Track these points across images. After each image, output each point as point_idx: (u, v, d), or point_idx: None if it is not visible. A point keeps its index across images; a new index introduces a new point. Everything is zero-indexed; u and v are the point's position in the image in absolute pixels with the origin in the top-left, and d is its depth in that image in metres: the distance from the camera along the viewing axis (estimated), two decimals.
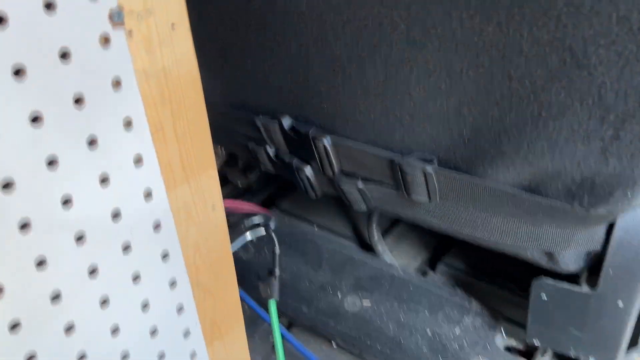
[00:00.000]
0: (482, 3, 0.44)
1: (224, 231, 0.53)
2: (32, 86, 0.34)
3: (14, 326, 0.37)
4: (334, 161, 0.58)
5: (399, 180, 0.56)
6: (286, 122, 0.60)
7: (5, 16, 0.32)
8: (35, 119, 0.35)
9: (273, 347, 0.66)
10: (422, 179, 0.53)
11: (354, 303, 0.75)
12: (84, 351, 0.42)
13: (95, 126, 0.38)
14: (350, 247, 0.85)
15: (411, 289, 0.74)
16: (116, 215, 0.42)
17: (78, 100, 0.37)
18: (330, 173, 0.60)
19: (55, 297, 0.39)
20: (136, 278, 0.45)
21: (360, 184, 0.60)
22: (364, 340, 0.69)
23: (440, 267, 0.80)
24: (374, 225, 0.84)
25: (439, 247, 0.86)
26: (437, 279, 0.78)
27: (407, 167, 0.53)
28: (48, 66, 0.35)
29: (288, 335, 0.71)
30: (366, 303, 0.74)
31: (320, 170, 0.61)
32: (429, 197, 0.56)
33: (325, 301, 0.76)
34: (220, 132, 0.73)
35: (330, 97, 0.56)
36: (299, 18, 0.53)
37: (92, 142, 0.38)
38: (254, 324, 0.70)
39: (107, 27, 0.37)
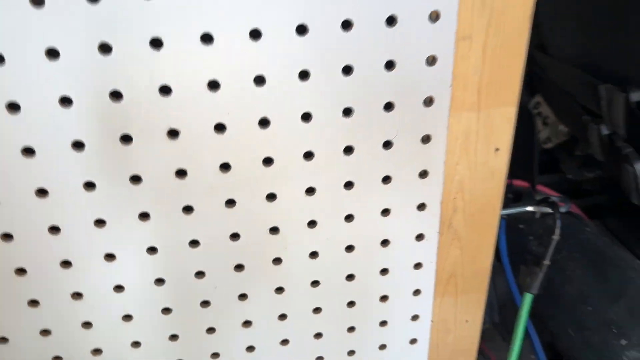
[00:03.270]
0: None
1: (500, 181, 0.46)
2: None
3: None
4: None
5: None
6: (635, 96, 0.47)
7: None
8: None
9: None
10: None
11: (638, 359, 0.58)
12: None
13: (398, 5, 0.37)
14: None
15: None
16: (388, 105, 0.40)
17: None
18: None
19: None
20: (385, 178, 0.44)
21: None
22: None
23: None
24: None
25: None
26: None
27: None
28: None
29: (539, 348, 0.60)
30: None
31: None
32: None
33: (601, 338, 0.61)
34: (558, 95, 0.63)
35: None
36: None
37: (390, 20, 0.37)
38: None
39: None
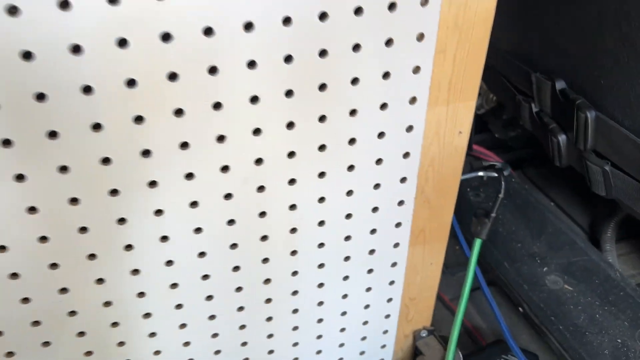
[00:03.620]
0: None
1: (461, 156, 0.60)
2: None
3: None
4: (589, 136, 0.59)
5: None
6: (559, 85, 0.62)
7: None
8: None
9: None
10: None
11: (555, 282, 0.76)
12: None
13: (396, 30, 0.47)
14: (577, 233, 0.83)
15: (621, 295, 0.71)
16: (383, 105, 0.51)
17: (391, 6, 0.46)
18: (582, 147, 0.61)
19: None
20: (379, 161, 0.55)
21: (608, 168, 0.59)
22: (549, 315, 0.70)
23: None
24: (613, 223, 0.80)
25: None
26: None
27: None
28: None
29: (482, 281, 0.76)
30: (568, 287, 0.74)
31: (573, 141, 0.62)
32: None
33: (529, 267, 0.78)
34: (495, 76, 0.78)
35: (611, 72, 0.56)
36: None
37: (388, 42, 0.48)
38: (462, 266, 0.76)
39: None
